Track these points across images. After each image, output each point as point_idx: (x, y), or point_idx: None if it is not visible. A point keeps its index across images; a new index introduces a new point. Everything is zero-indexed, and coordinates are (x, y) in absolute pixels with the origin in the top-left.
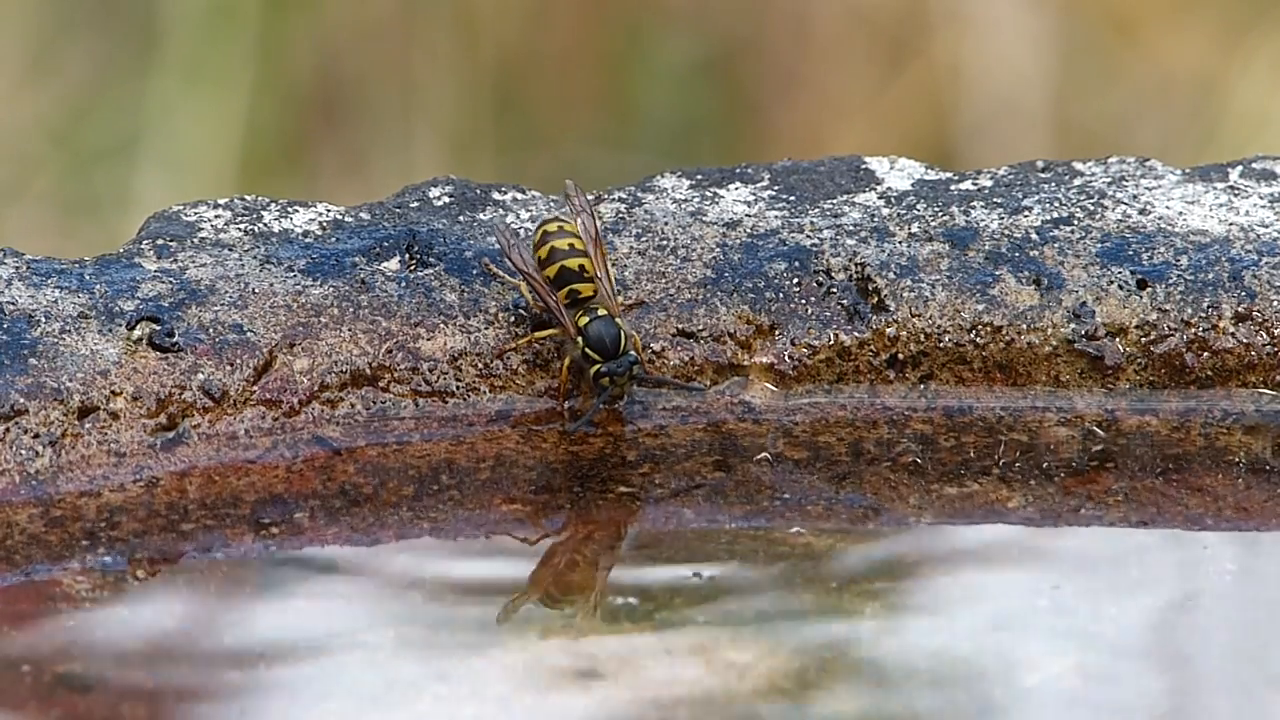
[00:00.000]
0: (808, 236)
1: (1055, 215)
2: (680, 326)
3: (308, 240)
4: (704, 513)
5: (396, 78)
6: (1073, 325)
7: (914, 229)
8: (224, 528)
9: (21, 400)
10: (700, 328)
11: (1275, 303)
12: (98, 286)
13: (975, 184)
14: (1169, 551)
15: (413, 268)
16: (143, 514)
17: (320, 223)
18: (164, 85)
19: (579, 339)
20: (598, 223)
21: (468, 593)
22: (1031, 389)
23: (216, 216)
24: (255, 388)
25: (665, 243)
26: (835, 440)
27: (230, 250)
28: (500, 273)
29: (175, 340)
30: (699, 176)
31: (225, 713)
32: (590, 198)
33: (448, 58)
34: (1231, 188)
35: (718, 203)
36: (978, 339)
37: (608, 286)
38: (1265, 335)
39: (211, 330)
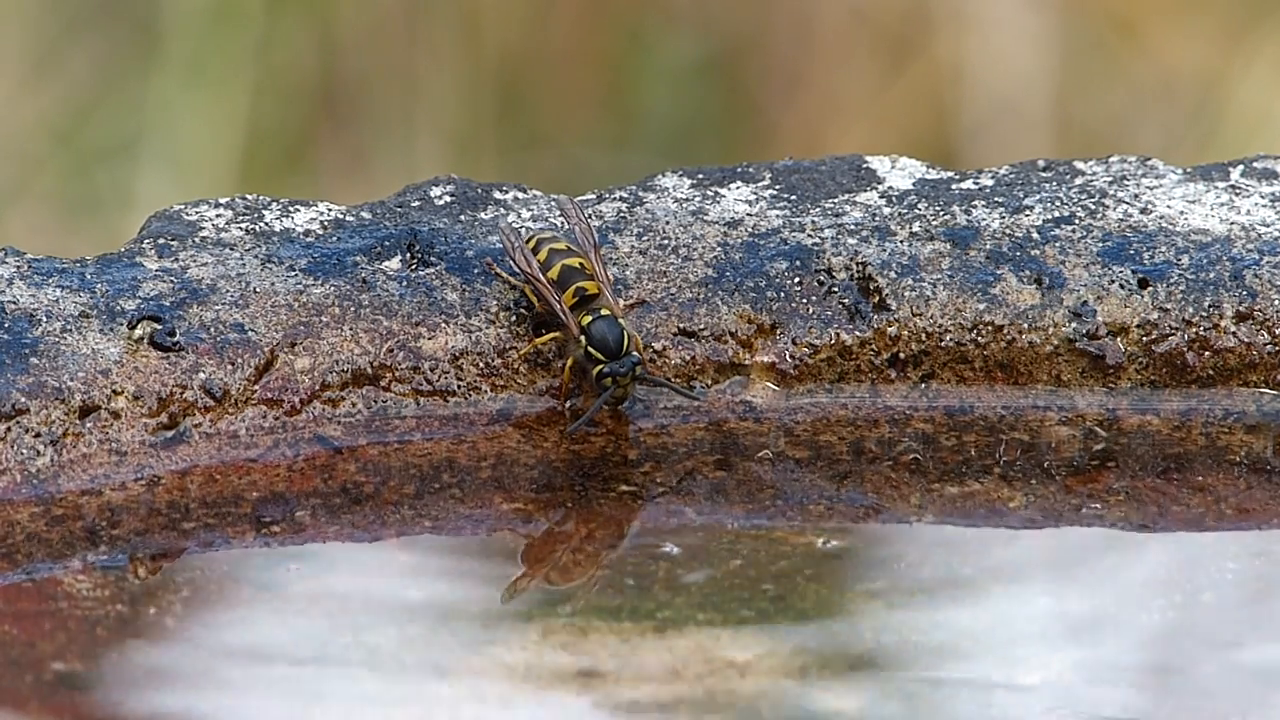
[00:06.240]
0: (809, 236)
1: (1056, 214)
2: (681, 325)
3: (309, 239)
4: (705, 511)
5: (398, 77)
6: (1074, 324)
7: (915, 228)
8: (225, 526)
9: (23, 399)
10: (701, 327)
11: (1276, 302)
12: (99, 286)
13: (976, 183)
14: (1170, 550)
15: (414, 267)
16: (144, 513)
17: (321, 222)
18: (166, 85)
19: (582, 338)
20: (594, 234)
21: (468, 592)
22: (1033, 388)
23: (218, 216)
24: (256, 387)
25: (666, 242)
26: (836, 439)
27: (231, 249)
28: (502, 273)
29: (176, 339)
30: (700, 176)
31: (225, 713)
32: (589, 196)
33: (449, 57)
34: (1233, 187)
35: (719, 202)
36: (979, 338)
37: (609, 292)
38: (1266, 334)
39: (213, 329)
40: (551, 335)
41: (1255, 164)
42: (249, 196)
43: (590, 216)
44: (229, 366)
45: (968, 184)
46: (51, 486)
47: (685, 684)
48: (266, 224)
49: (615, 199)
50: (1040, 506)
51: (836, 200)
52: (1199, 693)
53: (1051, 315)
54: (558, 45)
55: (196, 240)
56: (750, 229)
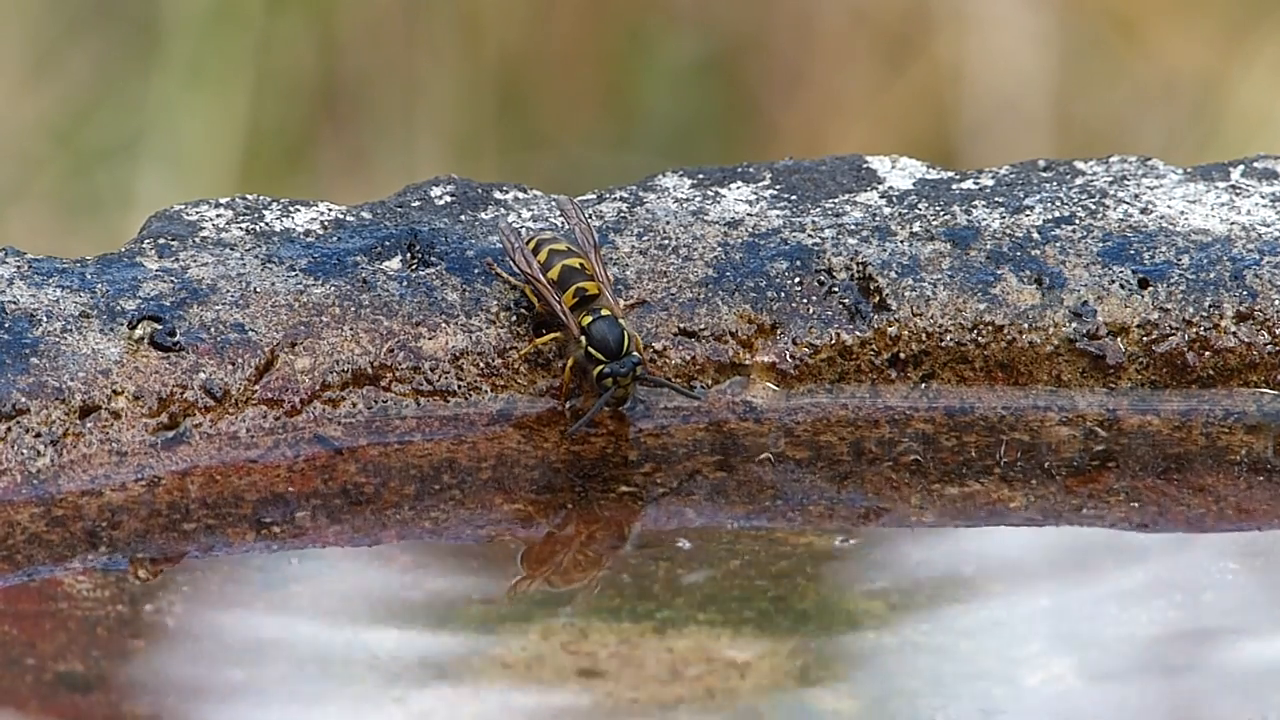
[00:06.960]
0: (809, 236)
1: (1057, 214)
2: (682, 325)
3: (309, 239)
4: (706, 512)
5: (399, 77)
6: (1074, 324)
7: (915, 228)
8: (226, 527)
9: (23, 399)
10: (702, 327)
11: (1277, 302)
12: (99, 286)
13: (977, 183)
14: (1170, 551)
15: (414, 267)
16: (144, 513)
17: (322, 222)
18: (166, 85)
19: (582, 339)
20: (594, 234)
21: (468, 592)
22: (1033, 388)
23: (218, 216)
24: (257, 387)
25: (667, 242)
26: (837, 440)
27: (232, 249)
28: (502, 273)
29: (177, 339)
30: (700, 176)
31: (226, 713)
32: (589, 196)
33: (450, 57)
34: (1233, 187)
35: (719, 202)
36: (979, 338)
37: (609, 292)
38: (1266, 334)
39: (213, 329)
40: (552, 335)
41: (1255, 164)
42: (249, 196)
43: (590, 216)
44: (229, 366)
45: (968, 184)
46: (52, 487)
47: (685, 684)
48: (267, 224)
49: (615, 199)
50: (1040, 507)
51: (837, 200)
52: (1200, 693)
53: (1052, 315)
54: (558, 45)
55: (197, 240)
56: (750, 229)
